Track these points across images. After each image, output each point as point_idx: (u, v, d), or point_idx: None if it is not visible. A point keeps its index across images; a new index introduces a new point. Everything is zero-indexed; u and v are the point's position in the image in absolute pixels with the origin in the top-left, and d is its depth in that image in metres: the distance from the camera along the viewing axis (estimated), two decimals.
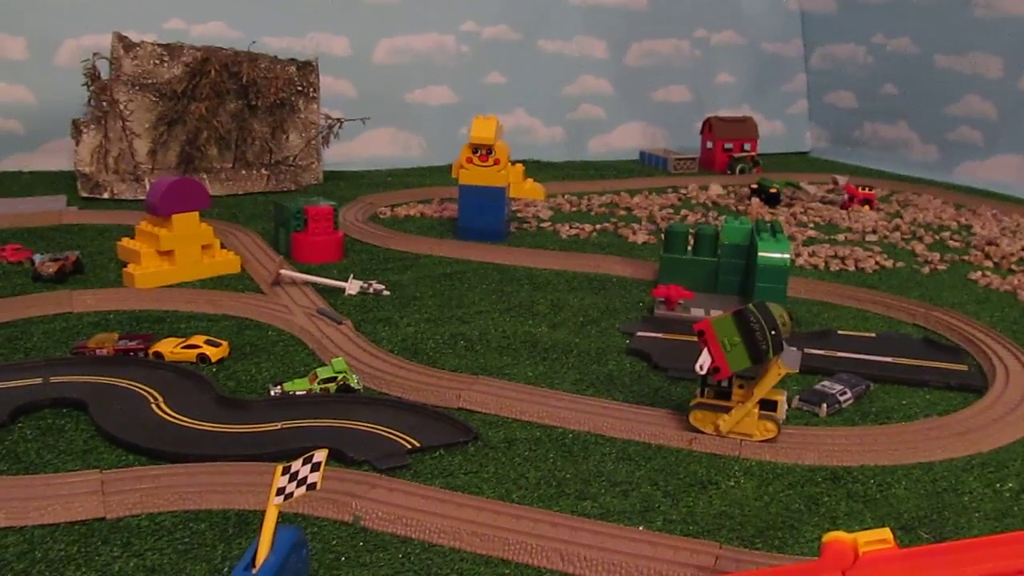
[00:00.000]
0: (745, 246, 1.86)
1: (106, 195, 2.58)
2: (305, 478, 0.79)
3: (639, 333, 1.65)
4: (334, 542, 0.98)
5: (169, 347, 1.47)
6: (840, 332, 1.69)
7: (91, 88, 2.61)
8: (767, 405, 1.23)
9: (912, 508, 1.10)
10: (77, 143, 2.61)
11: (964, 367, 1.53)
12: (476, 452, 1.20)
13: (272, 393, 1.34)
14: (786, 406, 1.26)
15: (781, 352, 1.19)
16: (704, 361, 1.21)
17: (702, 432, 1.25)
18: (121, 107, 2.62)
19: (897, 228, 2.58)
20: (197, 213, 1.88)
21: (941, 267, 2.17)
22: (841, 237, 2.45)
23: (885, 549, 0.66)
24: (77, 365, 1.40)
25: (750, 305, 1.20)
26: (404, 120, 3.39)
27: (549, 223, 2.51)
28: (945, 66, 3.51)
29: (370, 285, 1.84)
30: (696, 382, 1.27)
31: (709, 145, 3.53)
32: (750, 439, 1.23)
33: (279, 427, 1.23)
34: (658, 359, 1.52)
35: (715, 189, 3.03)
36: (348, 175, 3.10)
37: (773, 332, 1.18)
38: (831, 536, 0.68)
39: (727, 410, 1.24)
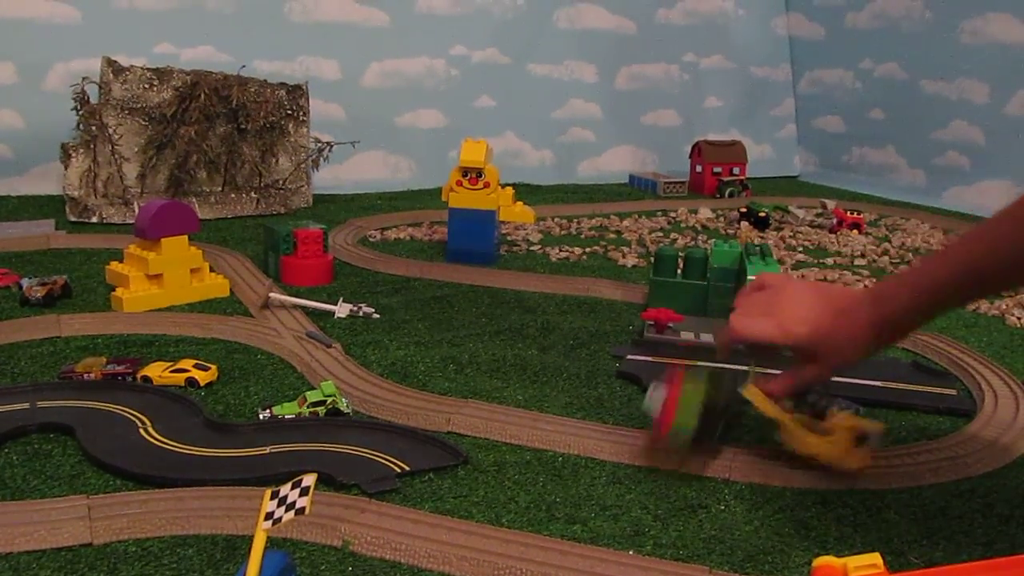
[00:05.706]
0: (734, 269, 1.86)
1: (95, 219, 2.58)
2: (294, 503, 0.78)
3: (629, 356, 1.65)
4: (323, 567, 0.98)
5: (157, 371, 1.46)
6: None
7: (80, 112, 2.61)
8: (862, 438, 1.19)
9: (902, 532, 1.10)
10: (66, 167, 2.61)
11: (953, 391, 1.54)
12: (466, 476, 1.20)
13: (261, 417, 1.34)
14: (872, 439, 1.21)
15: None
16: (656, 401, 1.21)
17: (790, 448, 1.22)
18: (110, 131, 2.62)
19: (886, 252, 2.59)
20: (186, 237, 1.88)
21: None
22: (830, 261, 2.46)
23: (875, 574, 0.66)
24: (65, 390, 1.40)
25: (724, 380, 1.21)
26: (394, 143, 3.41)
27: (539, 246, 2.51)
28: (932, 92, 3.55)
29: (360, 308, 1.84)
30: None
31: (698, 169, 3.55)
32: (846, 467, 1.19)
33: (268, 451, 1.23)
34: (648, 382, 1.51)
35: (704, 212, 3.05)
36: (338, 198, 3.10)
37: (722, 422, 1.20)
38: (821, 561, 0.68)
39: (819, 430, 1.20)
